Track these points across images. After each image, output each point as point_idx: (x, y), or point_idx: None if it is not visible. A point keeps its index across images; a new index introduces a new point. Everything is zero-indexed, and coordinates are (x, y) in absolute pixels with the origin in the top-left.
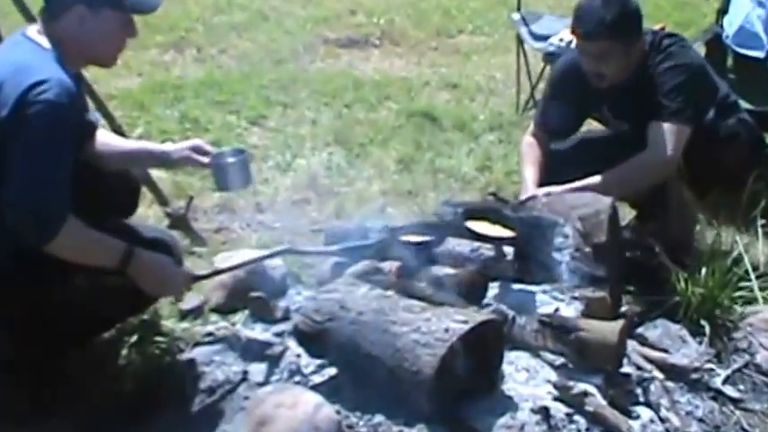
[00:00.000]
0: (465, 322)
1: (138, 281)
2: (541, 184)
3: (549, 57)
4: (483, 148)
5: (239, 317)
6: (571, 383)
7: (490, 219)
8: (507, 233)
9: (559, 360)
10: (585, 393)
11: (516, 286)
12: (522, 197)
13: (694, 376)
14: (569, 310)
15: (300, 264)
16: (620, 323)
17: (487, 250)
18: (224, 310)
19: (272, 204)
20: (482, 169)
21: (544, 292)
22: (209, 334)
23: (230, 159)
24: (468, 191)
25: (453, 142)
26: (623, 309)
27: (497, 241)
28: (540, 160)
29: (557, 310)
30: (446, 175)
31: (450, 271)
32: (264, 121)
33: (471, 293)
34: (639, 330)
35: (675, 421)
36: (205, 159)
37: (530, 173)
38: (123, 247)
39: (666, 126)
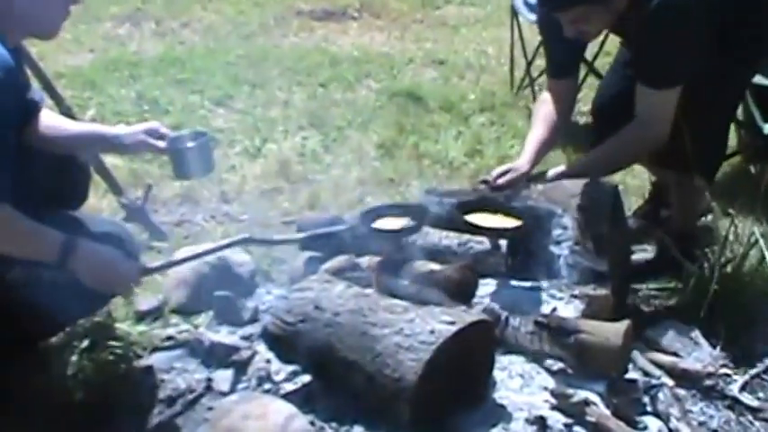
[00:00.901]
0: (452, 323)
1: (81, 276)
2: (549, 144)
3: None
4: (473, 132)
5: (203, 319)
6: (570, 391)
7: (489, 209)
8: (512, 222)
9: (557, 365)
10: (586, 402)
11: (510, 283)
12: (501, 169)
13: (708, 383)
14: (568, 310)
15: (271, 260)
16: (624, 324)
17: (477, 243)
18: (186, 310)
19: (240, 194)
20: (472, 154)
21: (541, 289)
22: (169, 338)
23: (191, 144)
24: (457, 178)
25: (440, 125)
26: (628, 307)
27: (502, 233)
28: (552, 119)
29: (554, 309)
30: (432, 161)
31: (436, 266)
32: (231, 101)
33: (460, 291)
34: (647, 332)
35: None
36: (163, 144)
37: (532, 137)
38: (62, 239)
39: (652, 94)
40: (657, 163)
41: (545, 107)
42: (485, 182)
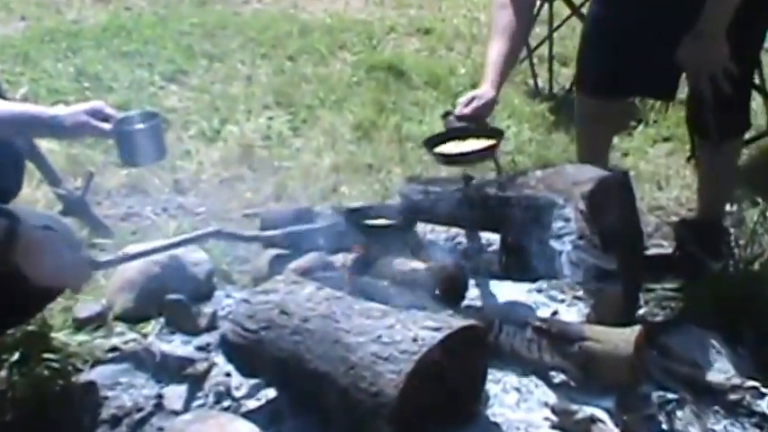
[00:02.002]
0: (438, 330)
1: (25, 268)
2: (513, 61)
3: None
4: None
5: (152, 326)
6: (574, 407)
7: (458, 137)
8: (484, 143)
9: (559, 377)
10: (593, 419)
11: (504, 284)
12: (465, 98)
13: (732, 397)
14: (571, 314)
15: (231, 258)
16: (636, 330)
17: (467, 238)
18: (132, 317)
19: (195, 183)
20: None
21: (539, 290)
22: (114, 349)
23: (140, 126)
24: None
25: (425, 103)
26: (641, 311)
27: (474, 154)
28: (513, 29)
29: (555, 313)
30: (416, 145)
31: (420, 265)
32: (185, 77)
33: (446, 293)
34: (662, 339)
35: None
36: (107, 126)
37: (494, 54)
38: (3, 225)
39: None
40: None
41: (504, 15)
42: (448, 113)
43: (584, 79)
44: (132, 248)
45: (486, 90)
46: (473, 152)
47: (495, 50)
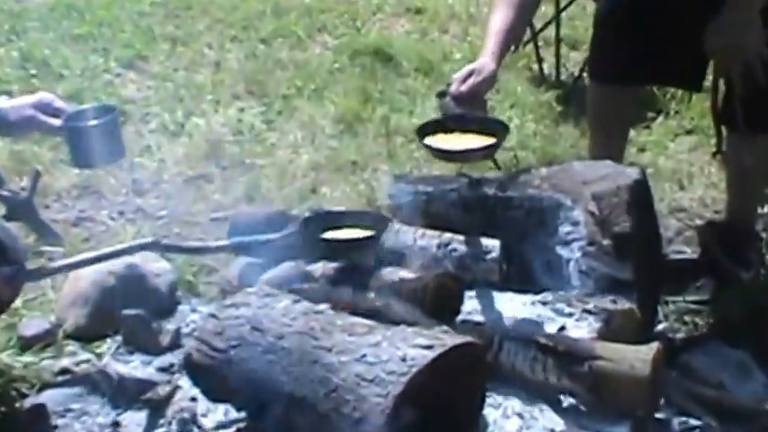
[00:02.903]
0: (430, 348)
1: None
2: (519, 33)
3: None
4: None
5: (108, 345)
6: None
7: (455, 128)
8: (483, 141)
9: (567, 401)
10: None
11: (505, 296)
12: (462, 73)
13: (764, 423)
14: (581, 329)
15: (196, 268)
16: (654, 347)
17: (462, 244)
18: (85, 335)
19: (157, 184)
20: None
21: (545, 303)
22: (65, 371)
23: (94, 121)
24: (437, 162)
25: (417, 92)
26: (660, 326)
27: (474, 153)
28: None
29: (563, 328)
30: (406, 140)
31: (409, 274)
32: (145, 63)
33: (439, 306)
34: (683, 357)
35: None
36: (57, 122)
37: (496, 23)
38: None
39: None
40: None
41: None
42: (443, 94)
43: (598, 64)
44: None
45: (485, 63)
46: (473, 150)
47: (499, 19)
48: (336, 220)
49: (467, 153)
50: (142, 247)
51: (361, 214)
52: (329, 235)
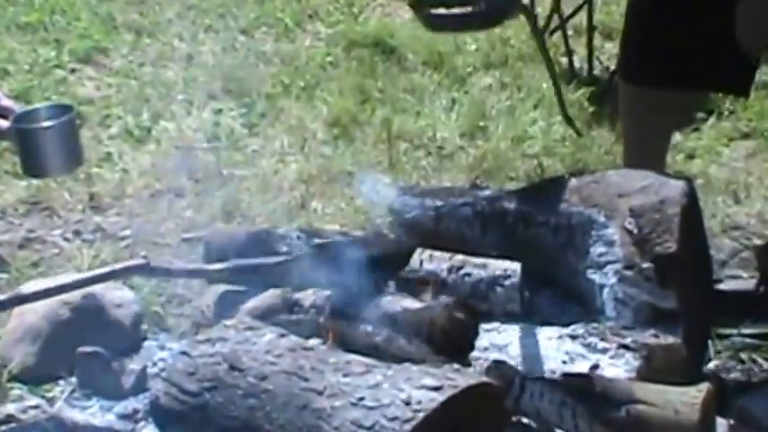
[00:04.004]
0: (438, 389)
1: None
2: None
3: None
4: (473, 100)
5: (61, 388)
6: None
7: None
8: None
9: None
10: None
11: (527, 328)
12: None
13: None
14: (617, 368)
15: (164, 297)
16: (703, 389)
17: (477, 268)
18: (34, 377)
19: (118, 198)
20: (472, 134)
21: (574, 337)
22: (10, 418)
23: (47, 123)
24: (449, 170)
25: (424, 90)
26: (710, 364)
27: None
28: None
29: (595, 366)
30: (412, 146)
31: (415, 303)
32: (105, 57)
33: (450, 341)
34: (739, 401)
35: None
36: (4, 123)
37: None
38: None
39: None
40: None
41: None
42: None
43: (628, 64)
44: (32, 286)
45: None
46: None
47: None
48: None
49: (469, 17)
50: (128, 271)
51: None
52: None
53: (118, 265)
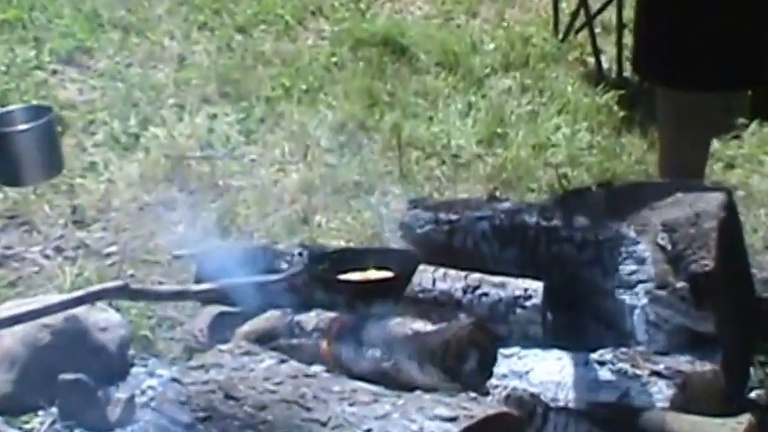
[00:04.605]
0: (453, 420)
1: None
2: None
3: None
4: (491, 104)
5: (40, 419)
6: None
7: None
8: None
9: None
10: None
11: (550, 353)
12: None
13: None
14: (649, 397)
15: (154, 319)
16: (744, 420)
17: (495, 287)
18: (12, 407)
19: (103, 212)
20: (489, 141)
21: (602, 363)
22: None
23: (23, 126)
24: (465, 181)
25: (437, 93)
26: (751, 394)
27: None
28: None
29: (626, 395)
30: (424, 154)
31: (427, 326)
32: (89, 58)
33: (466, 367)
34: None
35: None
36: None
37: None
38: None
39: None
40: None
41: None
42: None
43: (640, 58)
44: (9, 308)
45: None
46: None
47: None
48: (352, 258)
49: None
50: (104, 294)
51: (383, 252)
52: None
53: (92, 288)
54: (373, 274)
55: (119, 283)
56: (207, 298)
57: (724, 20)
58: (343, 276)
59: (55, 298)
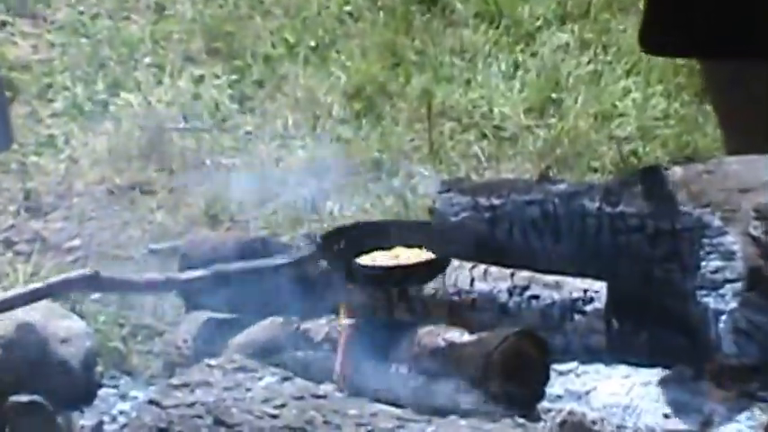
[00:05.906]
0: None
1: None
2: None
3: None
4: (543, 64)
5: None
6: None
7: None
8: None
9: None
10: None
11: (615, 370)
12: None
13: None
14: (738, 425)
15: (127, 326)
16: None
17: (546, 288)
18: None
19: (64, 197)
20: (541, 109)
21: (679, 381)
22: None
23: None
24: (510, 158)
25: (476, 51)
26: None
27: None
28: None
29: (709, 422)
30: (460, 126)
31: (465, 336)
32: (45, 7)
33: (512, 385)
34: None
35: None
36: None
37: None
38: None
39: None
40: None
41: None
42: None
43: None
44: None
45: None
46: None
47: None
48: (375, 234)
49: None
50: (69, 285)
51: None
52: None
53: (53, 279)
54: (404, 254)
55: (87, 271)
56: (192, 288)
57: None
58: (364, 259)
59: (5, 293)
